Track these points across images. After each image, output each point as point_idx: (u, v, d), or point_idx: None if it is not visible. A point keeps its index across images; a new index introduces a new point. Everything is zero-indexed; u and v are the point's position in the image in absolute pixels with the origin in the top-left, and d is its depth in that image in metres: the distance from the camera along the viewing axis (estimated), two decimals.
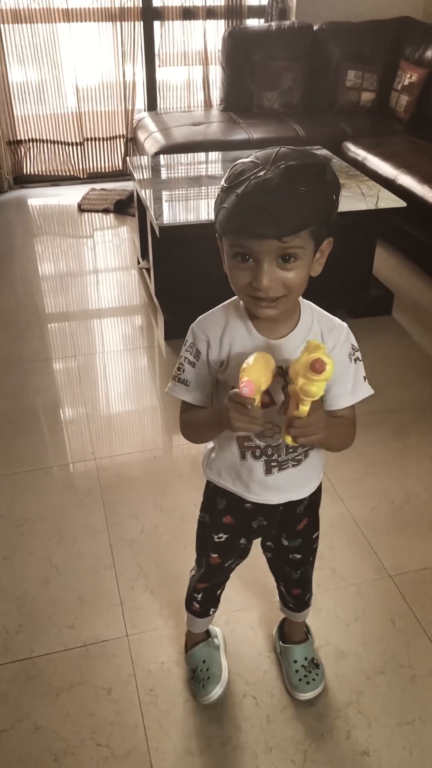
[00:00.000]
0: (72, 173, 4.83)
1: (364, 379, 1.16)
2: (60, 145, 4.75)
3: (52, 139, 4.72)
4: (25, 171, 4.77)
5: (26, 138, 4.69)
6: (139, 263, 3.54)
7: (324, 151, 3.47)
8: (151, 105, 4.79)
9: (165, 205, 2.87)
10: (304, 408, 0.96)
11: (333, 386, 1.14)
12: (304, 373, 0.93)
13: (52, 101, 4.61)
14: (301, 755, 1.44)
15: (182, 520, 1.98)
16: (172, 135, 4.11)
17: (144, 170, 3.34)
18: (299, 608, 1.53)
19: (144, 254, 3.42)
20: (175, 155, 3.62)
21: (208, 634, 1.60)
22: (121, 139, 4.82)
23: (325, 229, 0.98)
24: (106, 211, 4.31)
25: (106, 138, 4.81)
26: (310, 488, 1.29)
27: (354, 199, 2.87)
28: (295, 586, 1.47)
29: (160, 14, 4.51)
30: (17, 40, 4.36)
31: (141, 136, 4.37)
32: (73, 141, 4.74)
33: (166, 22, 4.53)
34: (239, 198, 0.93)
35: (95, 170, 4.87)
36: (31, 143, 4.71)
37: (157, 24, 4.54)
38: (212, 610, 1.51)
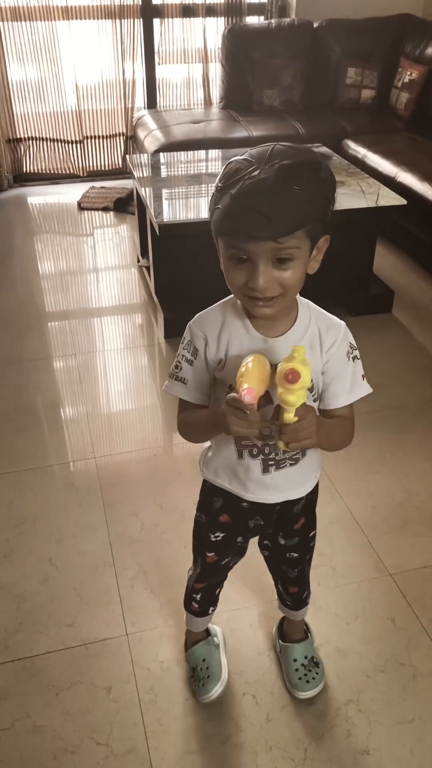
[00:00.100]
0: (72, 171, 4.82)
1: (363, 377, 1.16)
2: (60, 144, 4.74)
3: (51, 137, 4.72)
4: (24, 169, 4.77)
5: (26, 136, 4.69)
6: (138, 261, 3.54)
7: (324, 149, 3.47)
8: (151, 103, 4.78)
9: (165, 203, 2.86)
10: (288, 415, 0.95)
11: (331, 385, 1.13)
12: (281, 383, 0.93)
13: (51, 99, 4.61)
14: (301, 754, 1.43)
15: (182, 519, 1.97)
16: (172, 133, 4.10)
17: (144, 168, 3.34)
18: (297, 606, 1.52)
19: (144, 252, 3.41)
20: (175, 153, 3.62)
21: (207, 633, 1.59)
22: (121, 137, 4.81)
23: (321, 227, 0.98)
24: (105, 209, 4.30)
25: (106, 136, 4.80)
26: (308, 487, 1.28)
27: (354, 196, 2.86)
28: (292, 585, 1.47)
29: (160, 12, 4.50)
30: (17, 38, 4.35)
31: (141, 134, 4.36)
32: (73, 139, 4.73)
33: (166, 19, 4.52)
34: (233, 199, 0.92)
35: (95, 168, 4.87)
36: (30, 141, 4.71)
37: (156, 21, 4.53)
38: (211, 609, 1.51)
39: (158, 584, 1.80)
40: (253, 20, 4.67)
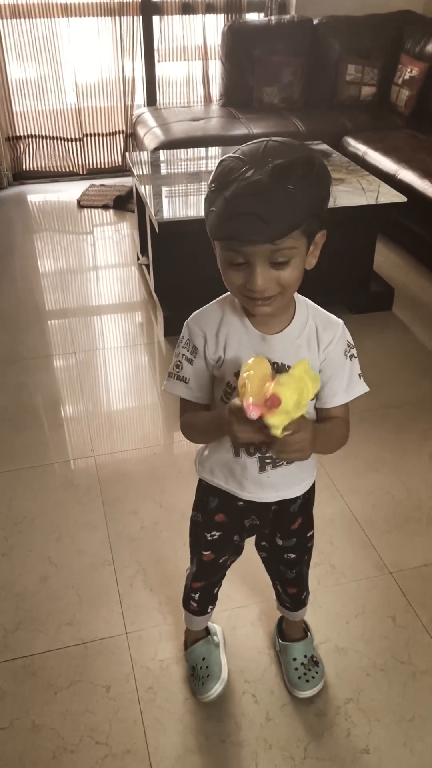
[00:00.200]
0: (71, 169, 4.81)
1: (359, 376, 1.15)
2: (59, 141, 4.73)
3: (51, 134, 4.70)
4: (24, 167, 4.76)
5: (25, 134, 4.67)
6: (138, 259, 3.53)
7: (324, 146, 3.46)
8: (151, 100, 4.77)
9: (164, 201, 2.85)
10: (275, 431, 0.91)
11: (328, 384, 1.13)
12: (264, 403, 0.90)
13: (51, 97, 4.59)
14: (300, 752, 1.43)
15: (182, 517, 1.96)
16: (172, 130, 4.09)
17: (143, 166, 3.33)
18: (296, 607, 1.52)
19: (143, 250, 3.40)
20: (175, 150, 3.61)
21: (207, 632, 1.59)
22: (121, 135, 4.80)
23: (317, 223, 0.97)
24: (105, 207, 4.30)
25: (106, 134, 4.79)
26: (304, 486, 1.28)
27: (354, 194, 2.85)
28: (290, 585, 1.46)
29: (159, 9, 4.49)
30: (16, 35, 4.34)
31: (140, 131, 4.35)
32: (73, 137, 4.72)
33: (165, 16, 4.50)
34: (228, 202, 0.91)
35: (94, 166, 4.86)
36: (30, 139, 4.70)
37: (156, 19, 4.52)
38: (210, 607, 1.50)
39: (158, 583, 1.79)
40: (252, 17, 4.65)
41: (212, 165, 3.42)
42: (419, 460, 2.23)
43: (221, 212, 0.92)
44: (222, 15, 4.56)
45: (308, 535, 1.38)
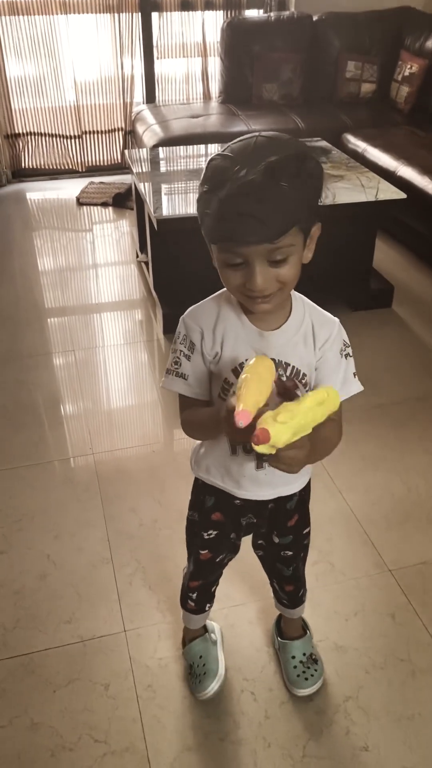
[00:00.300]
0: (70, 167, 4.80)
1: (354, 375, 1.15)
2: (58, 139, 4.72)
3: (50, 132, 4.69)
4: (23, 165, 4.75)
5: (24, 131, 4.66)
6: (137, 257, 3.53)
7: (324, 143, 3.45)
8: (150, 97, 4.76)
9: (163, 198, 2.84)
10: (262, 449, 0.90)
11: (323, 382, 1.12)
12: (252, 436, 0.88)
13: (49, 94, 4.58)
14: (299, 751, 1.43)
15: (181, 515, 1.93)
16: (171, 127, 4.08)
17: (142, 163, 3.32)
18: (293, 605, 1.51)
19: (143, 248, 3.40)
20: (174, 148, 3.60)
21: (205, 629, 1.59)
22: (120, 132, 4.79)
23: (312, 217, 0.96)
24: (104, 204, 4.29)
25: (105, 131, 4.78)
26: (301, 483, 1.27)
27: (354, 190, 2.85)
28: (287, 583, 1.46)
29: (158, 5, 4.47)
30: (14, 32, 4.33)
31: (139, 128, 4.34)
32: (72, 134, 4.71)
33: (164, 13, 4.49)
34: (223, 203, 0.90)
35: (94, 164, 4.85)
36: (29, 137, 4.68)
37: (155, 15, 4.50)
38: (208, 606, 1.50)
39: (157, 581, 1.79)
40: (252, 13, 4.64)
41: None
42: (419, 458, 2.23)
43: (217, 214, 0.91)
44: (221, 11, 4.54)
45: (305, 531, 1.38)
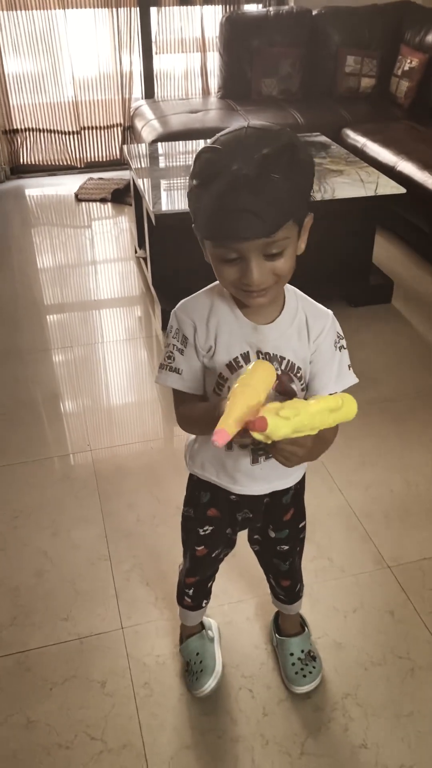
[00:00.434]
0: (69, 163, 4.78)
1: (349, 367, 1.14)
2: (57, 134, 4.70)
3: (48, 128, 4.68)
4: (21, 161, 4.73)
5: (22, 127, 4.64)
6: (136, 253, 3.51)
7: (323, 138, 3.43)
8: (149, 93, 4.74)
9: (161, 193, 2.83)
10: (258, 437, 0.89)
11: (317, 375, 1.11)
12: (249, 424, 0.87)
13: (48, 90, 4.56)
14: (297, 748, 1.42)
15: (178, 511, 1.91)
16: (170, 123, 4.07)
17: (141, 158, 3.30)
18: (290, 600, 1.50)
19: (141, 243, 3.38)
20: (173, 143, 3.58)
21: (202, 626, 1.57)
22: (119, 128, 4.77)
23: (306, 208, 0.95)
24: (103, 200, 4.27)
25: (104, 127, 4.76)
26: (296, 477, 1.26)
27: (353, 185, 2.83)
28: (284, 578, 1.45)
29: (157, 0, 4.45)
30: (12, 27, 4.30)
31: (138, 124, 4.32)
32: (70, 130, 4.69)
33: (163, 8, 4.47)
34: (217, 199, 0.88)
35: (92, 159, 4.83)
36: (27, 132, 4.67)
37: (153, 10, 4.48)
38: (204, 602, 1.49)
39: (154, 577, 1.78)
40: (251, 8, 4.61)
41: None
42: (418, 454, 2.21)
43: (211, 211, 0.90)
44: (220, 6, 4.52)
45: (300, 525, 1.37)
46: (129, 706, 1.49)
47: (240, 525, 1.34)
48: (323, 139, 3.42)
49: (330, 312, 1.11)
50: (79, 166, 4.78)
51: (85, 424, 2.37)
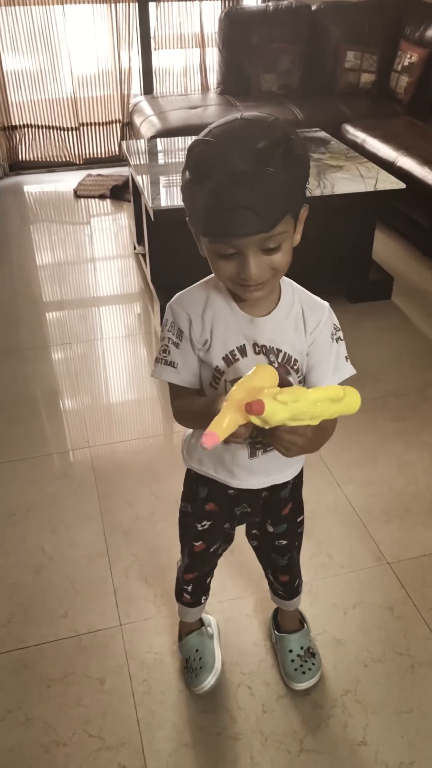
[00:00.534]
0: (68, 159, 4.77)
1: (346, 359, 1.13)
2: (55, 131, 4.68)
3: (47, 124, 4.66)
4: (20, 157, 4.71)
5: (21, 123, 4.63)
6: (135, 249, 3.50)
7: (323, 133, 3.42)
8: (148, 88, 4.72)
9: (160, 189, 2.82)
10: (253, 421, 0.88)
11: (315, 367, 1.10)
12: (246, 407, 0.86)
13: (47, 86, 4.54)
14: (297, 745, 1.41)
15: (177, 508, 1.93)
16: (169, 119, 4.05)
17: (139, 154, 3.29)
18: (289, 595, 1.49)
19: (140, 240, 3.37)
20: (172, 139, 3.57)
21: (201, 623, 1.57)
22: (118, 124, 4.75)
23: (302, 201, 0.94)
24: (102, 197, 4.26)
25: (102, 123, 4.74)
26: (294, 471, 1.25)
27: (353, 181, 2.81)
28: (282, 573, 1.44)
29: None
30: (11, 23, 4.29)
31: (137, 120, 4.31)
32: (69, 126, 4.67)
33: (162, 3, 4.45)
34: (213, 195, 0.86)
35: (91, 156, 4.81)
36: (26, 129, 4.65)
37: (152, 6, 4.46)
38: (203, 598, 1.48)
39: (153, 574, 1.77)
40: (250, 3, 4.59)
41: None
42: (418, 450, 2.21)
43: (208, 207, 0.88)
44: (219, 1, 4.50)
45: (299, 519, 1.36)
46: (127, 704, 1.49)
47: (238, 519, 1.33)
48: (323, 134, 3.41)
49: (326, 303, 1.10)
50: (77, 162, 4.77)
51: (84, 420, 2.36)
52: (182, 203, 0.97)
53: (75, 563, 1.81)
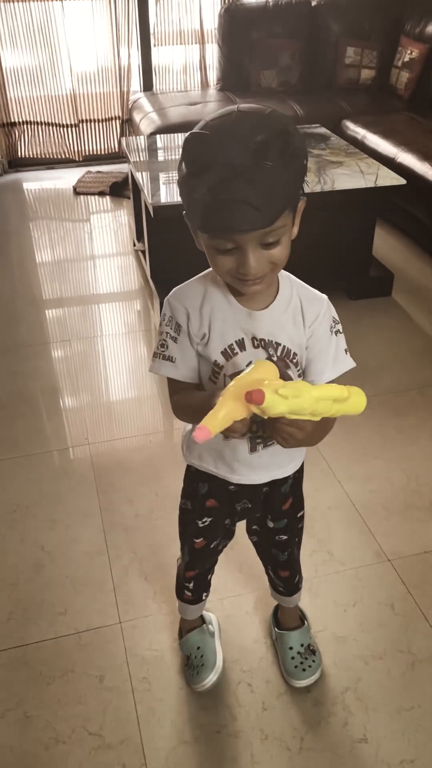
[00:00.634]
0: (67, 156, 4.76)
1: (345, 351, 1.12)
2: (55, 128, 4.67)
3: (46, 121, 4.64)
4: (19, 154, 4.70)
5: (20, 120, 4.61)
6: (134, 246, 3.49)
7: (323, 130, 3.41)
8: (147, 85, 4.71)
9: (159, 185, 2.81)
10: (254, 409, 0.88)
11: (314, 361, 1.10)
12: (246, 396, 0.86)
13: (46, 82, 4.53)
14: (297, 743, 1.40)
15: (177, 505, 1.93)
16: (168, 115, 4.04)
17: (139, 151, 3.28)
18: (289, 591, 1.49)
19: (139, 236, 3.36)
20: (171, 135, 3.56)
21: (202, 620, 1.56)
22: (117, 121, 4.74)
23: (299, 194, 0.93)
24: (101, 193, 4.25)
25: (102, 119, 4.73)
26: (294, 465, 1.25)
27: (353, 176, 2.80)
28: (282, 569, 1.44)
29: None
30: (9, 19, 4.27)
31: (137, 116, 4.30)
32: (68, 123, 4.66)
33: None
34: (212, 191, 0.85)
35: (91, 153, 4.80)
36: (25, 125, 4.64)
37: (152, 2, 4.44)
38: (204, 595, 1.48)
39: (153, 571, 1.77)
40: None
41: None
42: (419, 446, 2.20)
43: (207, 203, 0.87)
44: None
45: (299, 515, 1.35)
46: (127, 701, 1.48)
47: (239, 515, 1.33)
48: (323, 130, 3.40)
49: (324, 296, 1.10)
50: (77, 159, 4.76)
51: (83, 417, 2.36)
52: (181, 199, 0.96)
53: (74, 561, 1.81)
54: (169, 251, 2.85)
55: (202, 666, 1.48)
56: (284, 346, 1.06)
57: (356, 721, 1.44)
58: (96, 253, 3.65)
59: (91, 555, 1.82)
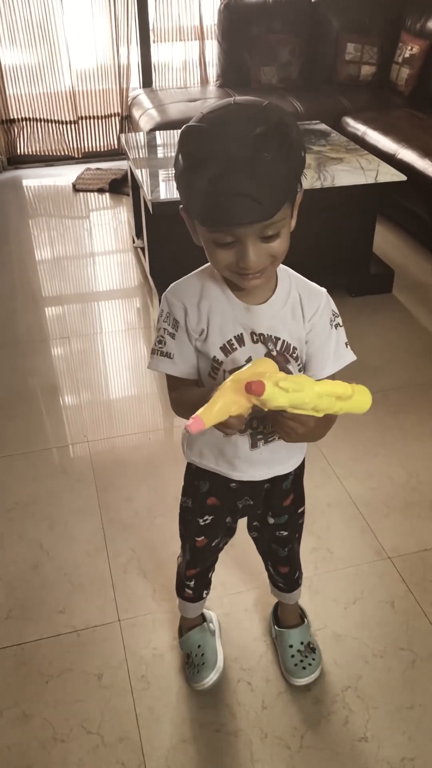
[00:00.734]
0: (67, 153, 4.74)
1: (346, 345, 1.11)
2: (54, 124, 4.66)
3: (46, 117, 4.63)
4: (18, 151, 4.69)
5: (19, 117, 4.60)
6: (134, 243, 3.48)
7: (323, 126, 3.39)
8: (146, 82, 4.69)
9: (159, 181, 2.80)
10: (254, 400, 0.87)
11: (315, 355, 1.09)
12: (246, 388, 0.85)
13: (45, 79, 4.52)
14: (297, 741, 1.40)
15: (176, 503, 1.90)
16: (168, 112, 4.03)
17: (138, 147, 3.27)
18: (289, 588, 1.48)
19: (139, 233, 3.35)
20: (171, 132, 3.54)
21: (203, 619, 1.55)
22: (116, 117, 4.72)
23: (298, 186, 0.92)
24: (101, 190, 4.24)
25: (101, 116, 4.72)
26: (295, 462, 1.24)
27: (353, 173, 2.79)
28: (282, 564, 1.43)
29: None
30: (9, 16, 4.26)
31: (136, 113, 4.28)
32: (68, 120, 4.65)
33: None
34: (211, 184, 0.84)
35: (90, 149, 4.79)
36: (24, 122, 4.62)
37: None
38: (205, 593, 1.47)
39: (152, 569, 1.76)
40: None
41: None
42: (419, 444, 2.19)
43: (206, 196, 0.86)
44: None
45: (299, 511, 1.34)
46: (126, 700, 1.47)
47: (240, 513, 1.32)
48: (323, 127, 3.38)
49: (324, 290, 1.09)
50: (76, 156, 4.74)
51: (82, 415, 2.35)
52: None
53: (73, 559, 1.80)
54: (169, 248, 2.83)
55: (202, 665, 1.48)
56: (284, 341, 1.05)
57: (356, 720, 1.43)
58: (95, 250, 3.63)
59: (90, 553, 1.81)
